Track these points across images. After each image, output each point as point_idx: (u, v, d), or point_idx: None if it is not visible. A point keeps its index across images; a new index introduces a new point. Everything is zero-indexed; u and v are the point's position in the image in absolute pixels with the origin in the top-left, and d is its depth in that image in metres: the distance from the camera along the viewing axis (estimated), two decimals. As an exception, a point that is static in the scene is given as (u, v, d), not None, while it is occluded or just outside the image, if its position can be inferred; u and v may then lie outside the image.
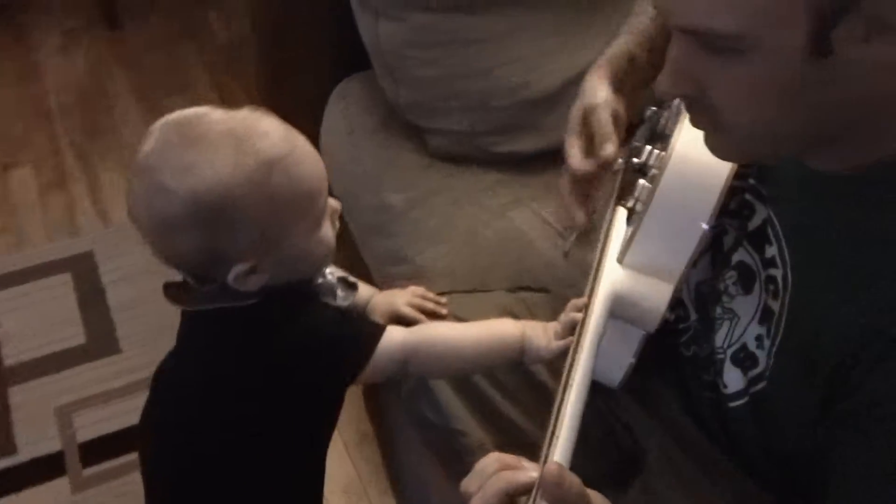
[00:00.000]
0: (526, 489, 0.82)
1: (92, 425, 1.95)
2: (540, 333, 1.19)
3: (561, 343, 1.16)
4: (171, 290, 1.19)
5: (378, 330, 1.17)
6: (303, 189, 1.12)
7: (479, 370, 1.29)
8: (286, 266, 1.14)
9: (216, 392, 1.21)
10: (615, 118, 1.27)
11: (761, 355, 1.03)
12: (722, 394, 1.10)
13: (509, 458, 0.88)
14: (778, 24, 0.79)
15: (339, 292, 1.23)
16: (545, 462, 0.81)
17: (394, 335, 1.17)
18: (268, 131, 1.11)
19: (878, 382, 0.84)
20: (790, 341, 0.98)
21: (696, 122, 0.94)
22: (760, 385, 1.03)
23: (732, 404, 1.08)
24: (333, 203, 1.19)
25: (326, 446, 1.34)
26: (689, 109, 0.94)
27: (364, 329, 1.19)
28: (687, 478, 1.17)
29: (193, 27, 3.16)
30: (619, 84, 1.32)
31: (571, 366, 0.92)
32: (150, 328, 2.13)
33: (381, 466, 1.89)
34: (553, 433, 0.83)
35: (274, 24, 2.24)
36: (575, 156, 1.27)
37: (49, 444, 1.92)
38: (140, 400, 1.94)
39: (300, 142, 1.13)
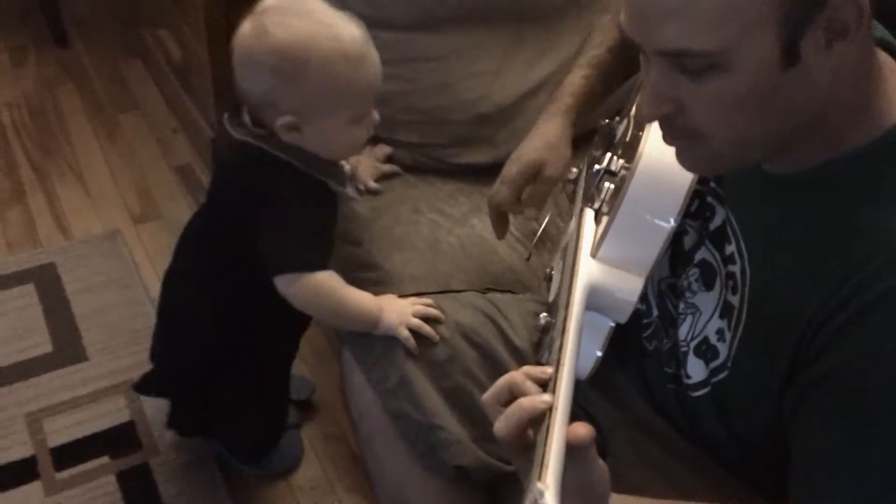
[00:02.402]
0: (543, 413, 0.87)
1: (63, 430, 1.98)
2: (394, 319, 1.43)
3: (406, 333, 1.41)
4: (231, 121, 1.48)
5: (312, 265, 1.46)
6: (360, 81, 1.42)
7: (341, 326, 1.58)
8: (320, 138, 1.44)
9: (219, 222, 1.58)
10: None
11: (722, 347, 1.09)
12: (685, 384, 1.16)
13: (534, 370, 0.93)
14: (751, 39, 0.85)
15: (349, 188, 1.54)
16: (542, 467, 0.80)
17: (324, 276, 1.47)
18: (354, 30, 1.41)
19: (839, 352, 0.91)
20: (750, 332, 1.05)
21: (670, 139, 0.99)
22: (722, 375, 1.10)
23: (695, 394, 1.15)
24: (376, 116, 1.50)
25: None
26: (665, 128, 0.98)
27: (323, 251, 1.49)
28: (652, 459, 1.24)
29: (141, 44, 3.18)
30: (577, 125, 1.50)
31: (558, 364, 0.93)
32: (115, 336, 2.17)
33: (348, 464, 1.96)
34: (548, 431, 0.84)
35: (226, 42, 2.28)
36: (504, 196, 1.46)
37: (21, 449, 1.95)
38: (108, 405, 2.02)
39: (373, 52, 1.43)
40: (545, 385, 0.91)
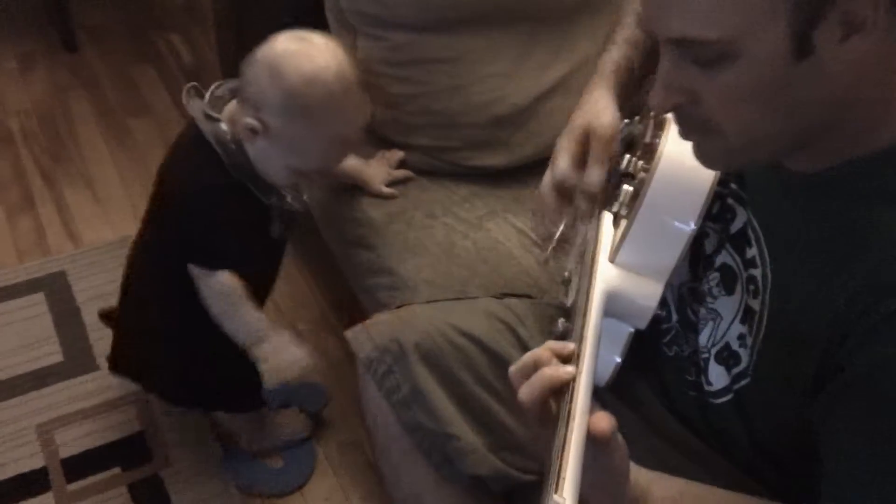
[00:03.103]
0: (566, 383, 0.89)
1: (74, 441, 1.96)
2: (275, 363, 1.61)
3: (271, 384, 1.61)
4: (189, 92, 1.59)
5: (223, 264, 1.57)
6: (356, 117, 1.54)
7: (228, 329, 1.62)
8: (279, 153, 1.53)
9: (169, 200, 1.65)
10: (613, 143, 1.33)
11: (744, 353, 1.07)
12: (706, 391, 1.14)
13: (557, 345, 0.95)
14: (761, 28, 0.83)
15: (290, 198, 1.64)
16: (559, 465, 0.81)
17: (223, 279, 1.57)
18: (345, 73, 1.50)
19: (865, 359, 0.89)
20: (772, 337, 1.02)
21: (686, 133, 0.98)
22: (744, 381, 1.07)
23: (717, 401, 1.12)
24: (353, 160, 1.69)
25: None
26: (679, 121, 0.97)
27: (227, 254, 1.58)
28: (672, 467, 1.18)
29: (152, 49, 3.17)
30: (622, 97, 1.39)
31: (576, 372, 0.92)
32: (126, 345, 2.15)
33: (364, 474, 1.93)
34: (565, 438, 0.83)
35: (236, 46, 2.27)
36: (563, 164, 1.32)
37: (32, 460, 1.93)
38: (119, 416, 1.99)
39: (352, 93, 1.51)
40: (568, 361, 0.93)
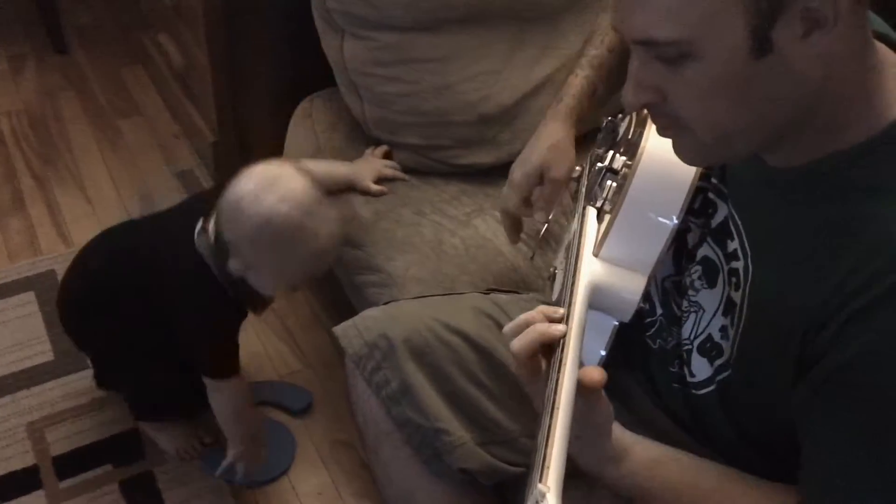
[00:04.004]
0: (556, 340, 0.95)
1: (65, 439, 1.97)
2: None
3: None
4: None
5: (228, 374, 1.71)
6: (318, 259, 1.58)
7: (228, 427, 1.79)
8: (264, 284, 1.61)
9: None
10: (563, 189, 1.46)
11: (726, 345, 1.09)
12: (689, 383, 1.15)
13: (548, 309, 1.00)
14: (718, 27, 0.85)
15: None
16: (543, 467, 0.81)
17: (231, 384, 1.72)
18: (329, 213, 1.54)
19: (843, 350, 0.90)
20: (753, 328, 1.04)
21: (662, 131, 1.00)
22: (726, 373, 1.09)
23: (700, 392, 1.14)
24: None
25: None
26: (653, 118, 0.99)
27: (227, 363, 1.71)
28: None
29: (142, 50, 3.17)
30: (580, 125, 1.51)
31: (560, 364, 0.93)
32: (117, 344, 2.16)
33: (355, 471, 1.94)
34: (549, 428, 0.85)
35: (227, 46, 2.28)
36: (512, 203, 1.49)
37: (23, 458, 1.93)
38: (111, 413, 2.00)
39: (316, 214, 1.52)
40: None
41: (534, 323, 0.99)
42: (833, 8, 0.84)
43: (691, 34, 0.86)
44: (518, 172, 1.47)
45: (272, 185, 1.51)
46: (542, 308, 1.01)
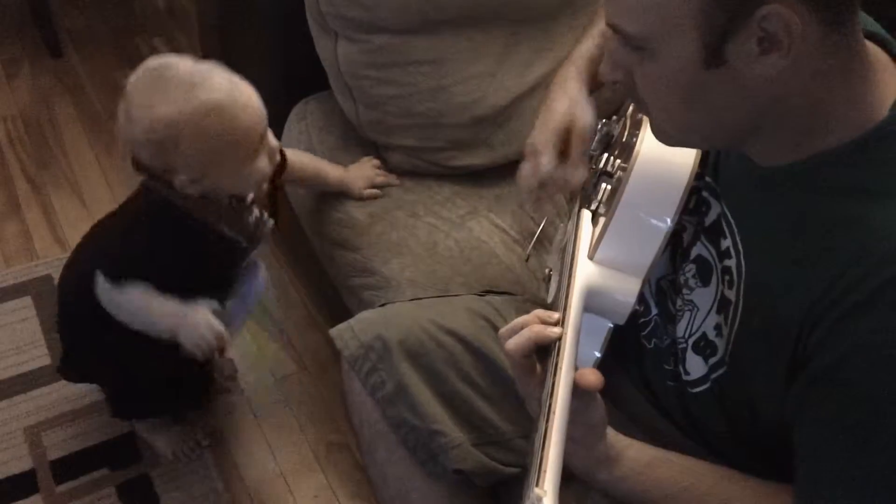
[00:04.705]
0: (551, 341, 0.98)
1: (62, 443, 1.97)
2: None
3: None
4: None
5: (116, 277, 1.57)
6: (235, 133, 1.48)
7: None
8: (222, 184, 1.54)
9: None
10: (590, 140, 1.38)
11: (720, 343, 1.09)
12: (684, 381, 1.16)
13: (544, 313, 1.03)
14: (671, 34, 0.89)
15: (250, 219, 1.65)
16: (540, 471, 0.83)
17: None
18: (215, 84, 1.46)
19: (834, 349, 0.91)
20: (747, 326, 1.05)
21: (637, 110, 1.07)
22: (721, 371, 1.10)
23: (695, 390, 1.15)
24: (272, 142, 1.57)
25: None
26: (627, 95, 1.06)
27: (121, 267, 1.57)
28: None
29: (136, 54, 3.17)
30: (592, 88, 1.45)
31: (556, 367, 0.95)
32: (113, 348, 2.16)
33: (351, 473, 1.95)
34: (546, 433, 0.86)
35: (221, 50, 2.28)
36: (549, 162, 1.36)
37: (20, 462, 1.93)
38: (107, 417, 2.00)
39: (242, 95, 1.48)
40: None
41: (529, 325, 1.01)
42: (787, 35, 0.86)
43: (650, 33, 0.91)
44: (543, 132, 1.39)
45: (185, 79, 1.46)
46: (538, 312, 1.03)
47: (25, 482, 1.91)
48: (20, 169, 2.73)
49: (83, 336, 1.80)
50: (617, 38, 0.96)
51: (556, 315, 1.01)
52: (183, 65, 1.48)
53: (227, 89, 1.47)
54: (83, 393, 2.06)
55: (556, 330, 0.98)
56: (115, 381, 1.88)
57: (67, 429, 2.00)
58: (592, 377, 0.94)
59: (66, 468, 1.94)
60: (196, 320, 1.58)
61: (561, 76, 1.47)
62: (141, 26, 3.28)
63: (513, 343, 1.01)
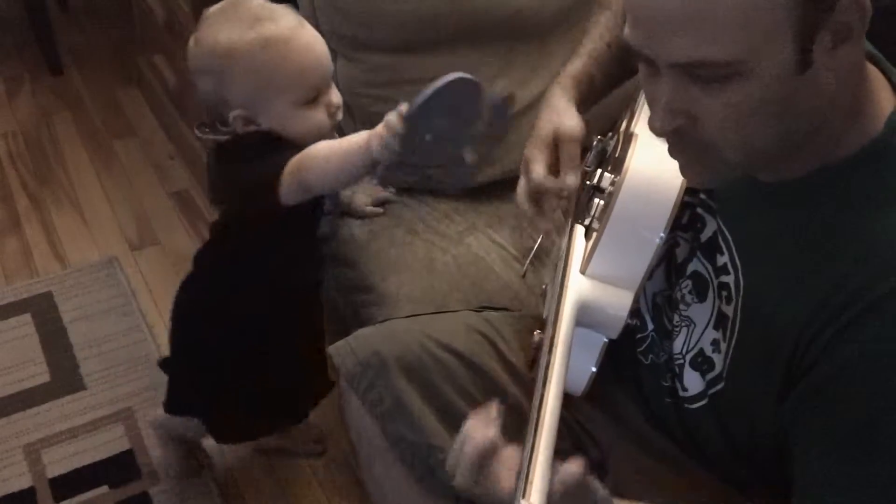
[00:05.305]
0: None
1: (61, 460, 1.97)
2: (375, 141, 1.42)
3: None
4: (200, 128, 1.59)
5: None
6: (288, 71, 1.46)
7: (347, 173, 1.42)
8: (276, 124, 1.49)
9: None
10: (581, 149, 1.36)
11: (717, 359, 1.09)
12: (681, 397, 1.16)
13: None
14: (770, 46, 0.85)
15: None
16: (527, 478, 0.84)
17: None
18: (281, 21, 1.47)
19: (831, 361, 0.92)
20: (745, 341, 1.05)
21: (677, 153, 0.99)
22: (718, 386, 1.10)
23: (692, 406, 1.15)
24: (335, 98, 1.54)
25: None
26: (675, 140, 0.97)
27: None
28: (650, 473, 1.23)
29: (136, 71, 3.19)
30: (581, 104, 1.43)
31: (545, 380, 0.96)
32: (113, 364, 2.16)
33: (349, 489, 1.94)
34: (533, 447, 0.87)
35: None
36: (538, 171, 1.35)
37: (19, 480, 1.93)
38: (107, 434, 2.00)
39: (305, 35, 1.48)
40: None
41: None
42: (860, 18, 0.85)
43: (743, 54, 0.85)
44: (531, 146, 1.40)
45: (255, 11, 1.47)
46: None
47: (25, 500, 1.91)
48: (20, 185, 2.74)
49: (194, 357, 1.76)
50: (676, 80, 0.90)
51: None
52: (258, 4, 1.50)
53: (291, 27, 1.48)
54: (82, 410, 2.06)
55: (490, 433, 0.99)
56: (218, 408, 1.81)
57: (67, 446, 2.00)
58: (573, 467, 0.88)
59: (65, 486, 1.94)
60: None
61: (546, 95, 1.48)
62: (140, 44, 3.29)
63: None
